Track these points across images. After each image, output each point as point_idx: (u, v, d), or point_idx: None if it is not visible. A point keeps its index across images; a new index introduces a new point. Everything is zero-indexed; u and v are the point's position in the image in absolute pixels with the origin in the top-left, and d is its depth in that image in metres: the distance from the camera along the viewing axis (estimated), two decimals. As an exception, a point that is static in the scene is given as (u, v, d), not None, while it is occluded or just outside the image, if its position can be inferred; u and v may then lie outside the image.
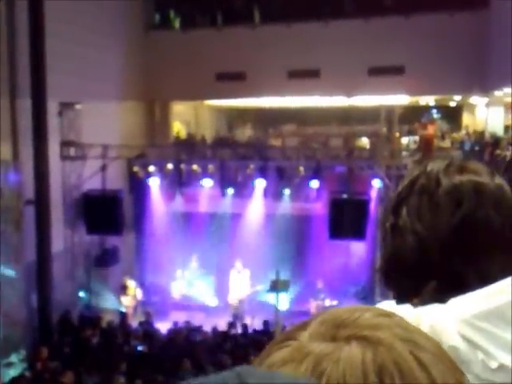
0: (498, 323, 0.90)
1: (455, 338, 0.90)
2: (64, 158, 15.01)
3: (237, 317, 14.85)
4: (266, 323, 13.87)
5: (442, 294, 0.98)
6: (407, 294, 1.05)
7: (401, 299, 1.05)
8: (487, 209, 1.06)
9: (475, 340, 0.90)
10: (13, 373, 12.26)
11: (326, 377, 0.52)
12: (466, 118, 20.64)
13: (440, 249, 1.06)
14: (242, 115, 23.36)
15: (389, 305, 1.03)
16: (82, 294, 15.60)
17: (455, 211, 1.06)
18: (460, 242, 1.05)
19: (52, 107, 13.84)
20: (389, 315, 0.60)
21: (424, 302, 0.99)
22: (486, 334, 0.89)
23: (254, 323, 14.34)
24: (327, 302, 14.86)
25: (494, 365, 0.89)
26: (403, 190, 1.14)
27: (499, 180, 1.12)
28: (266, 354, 0.58)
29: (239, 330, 14.11)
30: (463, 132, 19.55)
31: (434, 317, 0.93)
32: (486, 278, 0.98)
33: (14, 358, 12.70)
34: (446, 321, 0.91)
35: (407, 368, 0.53)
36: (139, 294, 15.66)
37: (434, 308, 0.95)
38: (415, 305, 0.99)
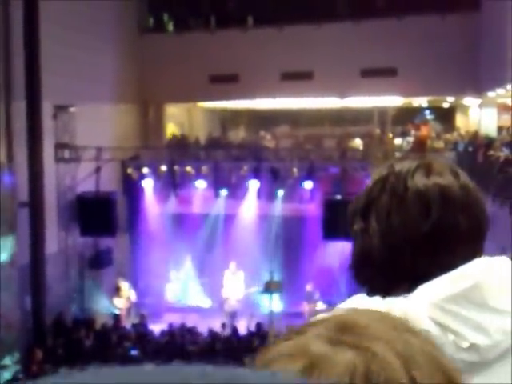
0: (466, 305, 0.94)
1: (426, 322, 0.94)
2: (58, 160, 15.01)
3: (232, 318, 14.86)
4: (258, 325, 13.88)
5: (409, 290, 1.02)
6: (378, 291, 1.08)
7: (371, 292, 1.09)
8: (454, 213, 1.09)
9: (445, 322, 0.94)
10: (7, 375, 12.26)
11: (316, 377, 0.54)
12: (459, 119, 20.68)
13: (409, 252, 1.09)
14: (235, 117, 23.37)
15: (360, 298, 1.07)
16: (75, 295, 15.58)
17: (424, 218, 1.08)
18: (429, 246, 1.08)
19: (46, 109, 13.86)
20: (396, 328, 0.60)
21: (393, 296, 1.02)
22: (455, 316, 0.94)
23: (251, 324, 14.33)
24: (320, 305, 14.87)
25: (465, 345, 0.93)
26: (372, 190, 1.16)
27: (464, 178, 1.15)
28: (273, 344, 0.60)
29: (230, 332, 14.10)
30: (456, 133, 19.59)
31: (405, 304, 0.96)
32: (449, 270, 1.02)
33: (7, 360, 12.68)
34: (417, 306, 0.95)
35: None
36: (132, 295, 15.66)
37: (404, 298, 0.99)
38: (384, 296, 1.02)
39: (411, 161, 1.17)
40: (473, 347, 0.93)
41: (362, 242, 1.15)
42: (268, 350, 0.60)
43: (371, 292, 1.11)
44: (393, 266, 1.10)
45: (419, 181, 1.11)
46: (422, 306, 0.95)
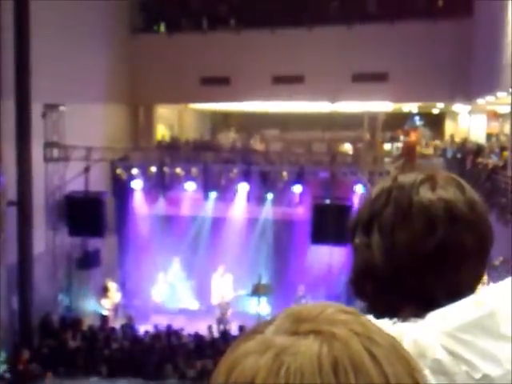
0: (479, 334, 0.92)
1: (439, 351, 0.92)
2: (47, 159, 14.95)
3: (221, 321, 14.84)
4: (241, 328, 13.89)
5: (415, 311, 1.01)
6: (380, 308, 1.07)
7: (375, 312, 1.06)
8: (460, 230, 1.07)
9: (458, 352, 0.92)
10: (-7, 374, 12.21)
11: (285, 368, 0.55)
12: (448, 126, 20.80)
13: (413, 269, 1.07)
14: (225, 119, 23.38)
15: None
16: (63, 296, 15.51)
17: (429, 234, 1.07)
18: (434, 263, 1.07)
19: (36, 109, 13.80)
20: (349, 312, 0.62)
21: (402, 319, 1.00)
22: (468, 346, 0.92)
23: (238, 327, 14.32)
24: None
25: (477, 375, 0.91)
26: (375, 203, 1.13)
27: (469, 193, 1.12)
28: (234, 346, 0.61)
29: (218, 335, 14.10)
30: (447, 139, 19.69)
31: (417, 332, 0.95)
32: (454, 293, 1.01)
33: (-6, 359, 12.62)
34: (429, 335, 0.94)
35: (361, 363, 0.56)
36: (118, 296, 15.60)
37: (415, 324, 0.97)
38: (393, 320, 1.01)
39: (416, 173, 1.14)
40: (485, 378, 0.92)
41: (364, 257, 1.12)
42: (231, 351, 0.61)
43: (372, 309, 1.09)
44: (396, 283, 1.08)
45: (424, 195, 1.09)
46: (434, 334, 0.94)
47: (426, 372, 0.89)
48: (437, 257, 1.06)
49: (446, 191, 1.10)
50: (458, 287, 1.04)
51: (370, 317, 1.01)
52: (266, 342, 0.59)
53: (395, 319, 1.01)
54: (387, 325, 0.98)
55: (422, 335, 0.94)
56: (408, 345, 0.91)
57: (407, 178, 1.13)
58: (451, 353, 0.92)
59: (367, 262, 1.11)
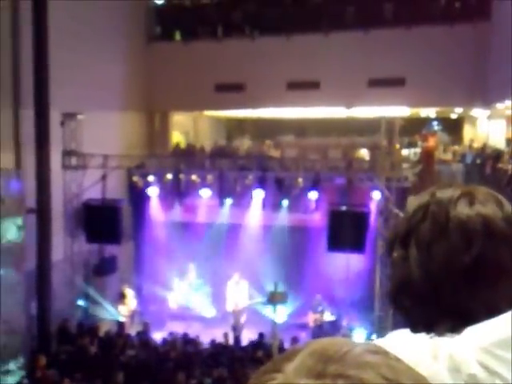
0: None
1: (474, 366, 0.93)
2: (65, 167, 15.12)
3: (235, 328, 14.84)
4: (261, 335, 13.87)
5: (452, 326, 1.02)
6: (417, 322, 1.08)
7: (412, 326, 1.08)
8: (497, 247, 1.07)
9: (493, 367, 0.93)
10: (11, 380, 12.35)
11: None
12: (467, 131, 20.57)
13: (449, 284, 1.08)
14: (240, 126, 23.39)
15: (403, 334, 1.06)
16: (80, 302, 15.65)
17: (466, 251, 1.07)
18: (470, 279, 1.07)
19: (54, 117, 13.96)
20: (378, 352, 0.60)
21: (438, 334, 1.01)
22: (503, 361, 0.93)
23: (254, 335, 14.30)
24: (326, 316, 14.82)
25: None
26: (413, 218, 1.14)
27: (508, 209, 1.12)
28: (259, 380, 0.59)
29: (233, 342, 14.09)
30: (466, 144, 19.48)
31: (452, 347, 0.96)
32: (493, 309, 1.02)
33: (12, 365, 12.75)
34: (465, 350, 0.94)
35: None
36: (135, 303, 15.69)
37: (451, 338, 0.98)
38: (429, 334, 1.02)
39: (454, 188, 1.15)
40: None
41: (401, 271, 1.14)
42: None
43: (410, 323, 1.10)
44: (433, 297, 1.09)
45: (462, 211, 1.10)
46: (470, 350, 0.94)
47: None
48: (473, 272, 1.06)
49: (484, 207, 1.10)
50: (496, 303, 1.04)
51: (407, 331, 1.05)
52: (290, 382, 0.56)
53: (432, 334, 1.01)
54: (424, 339, 0.99)
55: (458, 350, 0.94)
56: (444, 359, 0.93)
57: (445, 194, 1.14)
58: (486, 368, 0.93)
59: (404, 276, 1.12)
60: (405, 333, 1.06)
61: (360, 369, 0.56)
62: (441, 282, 1.08)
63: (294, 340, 13.40)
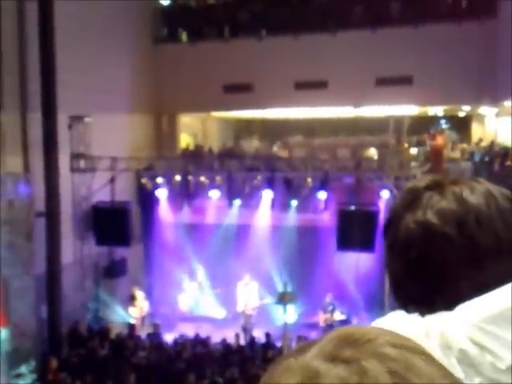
0: (506, 326, 0.93)
1: (465, 342, 0.93)
2: (74, 170, 15.15)
3: (245, 329, 14.83)
4: (267, 336, 13.86)
5: (443, 305, 1.02)
6: (412, 303, 1.08)
7: (407, 308, 1.08)
8: (438, 248, 1.07)
9: (484, 343, 0.93)
10: (23, 383, 12.37)
11: None
12: (475, 129, 20.49)
13: (403, 281, 1.10)
14: (249, 127, 23.38)
15: (398, 315, 1.06)
16: (91, 305, 15.67)
17: (407, 251, 1.08)
18: (416, 278, 1.09)
19: (62, 120, 13.99)
20: (400, 346, 0.60)
21: (430, 312, 1.01)
22: (494, 337, 0.92)
23: (264, 335, 14.30)
24: (336, 315, 14.80)
25: (502, 366, 0.92)
26: (397, 206, 1.14)
27: (470, 203, 1.10)
28: (278, 361, 0.61)
29: (245, 342, 14.08)
30: (474, 142, 19.41)
31: (444, 324, 0.96)
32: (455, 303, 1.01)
33: (23, 368, 12.79)
34: (456, 326, 0.95)
35: None
36: (146, 305, 15.70)
37: (443, 316, 0.98)
38: (423, 314, 1.02)
39: (423, 180, 1.15)
40: (510, 369, 0.92)
41: (385, 259, 1.16)
42: (274, 364, 0.61)
43: (405, 303, 1.11)
44: (398, 288, 1.11)
45: (417, 211, 1.09)
46: (460, 326, 0.95)
47: (453, 362, 0.92)
48: (418, 273, 1.08)
49: (438, 204, 1.09)
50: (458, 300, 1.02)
51: (402, 313, 1.04)
52: (303, 364, 0.58)
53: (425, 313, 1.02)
54: (417, 318, 1.00)
55: (449, 327, 0.95)
56: (435, 337, 0.94)
57: (413, 185, 1.14)
58: (477, 344, 0.93)
59: (386, 263, 1.15)
60: (399, 314, 1.06)
61: (371, 358, 0.57)
62: (401, 281, 1.11)
63: (300, 339, 13.39)
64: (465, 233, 1.08)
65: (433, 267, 1.08)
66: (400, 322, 1.01)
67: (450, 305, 1.00)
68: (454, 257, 1.08)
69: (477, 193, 1.11)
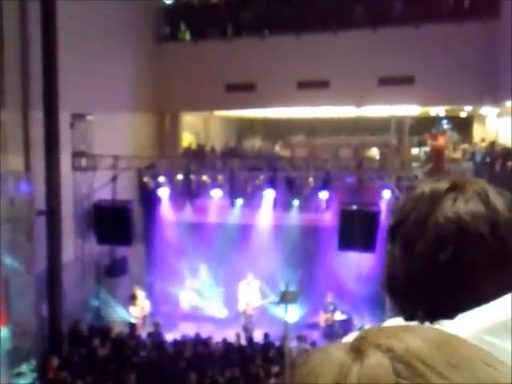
0: (506, 337, 0.91)
1: None
2: (75, 168, 15.13)
3: (246, 329, 14.82)
4: (266, 336, 13.87)
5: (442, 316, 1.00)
6: (410, 311, 1.07)
7: (406, 316, 1.07)
8: (472, 248, 1.06)
9: None
10: (23, 382, 12.36)
11: (312, 375, 0.57)
12: (476, 129, 20.50)
13: (428, 286, 1.07)
14: (251, 126, 23.37)
15: (395, 322, 1.05)
16: (91, 304, 15.65)
17: (440, 253, 1.06)
18: (446, 281, 1.06)
19: (64, 119, 13.96)
20: (426, 340, 0.58)
21: (430, 322, 1.00)
22: (493, 349, 0.87)
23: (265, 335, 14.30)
24: (337, 315, 14.79)
25: None
26: (402, 211, 1.13)
27: (493, 207, 1.09)
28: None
29: (245, 342, 14.09)
30: (476, 143, 19.42)
31: None
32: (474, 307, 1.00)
33: (24, 367, 12.77)
34: None
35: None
36: (147, 305, 15.69)
37: (442, 325, 0.96)
38: (422, 322, 1.00)
39: (444, 181, 1.13)
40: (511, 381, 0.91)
41: (388, 264, 1.14)
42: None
43: (402, 311, 1.10)
44: (413, 294, 1.08)
45: (442, 210, 1.08)
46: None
47: None
48: (447, 273, 1.05)
49: (466, 205, 1.08)
50: (478, 303, 1.01)
51: (399, 319, 1.03)
52: (323, 351, 0.60)
53: (424, 322, 0.99)
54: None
55: None
56: None
57: (432, 187, 1.12)
58: None
59: (390, 269, 1.12)
60: (397, 321, 1.05)
61: (385, 346, 0.57)
62: (420, 282, 1.07)
63: (301, 338, 13.41)
64: (497, 234, 1.07)
65: (464, 267, 1.06)
66: None
67: (471, 307, 0.98)
68: (485, 257, 1.07)
69: (498, 196, 1.11)
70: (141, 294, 15.67)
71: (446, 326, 0.96)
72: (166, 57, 18.55)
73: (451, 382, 0.54)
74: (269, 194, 15.13)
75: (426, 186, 1.14)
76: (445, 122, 20.94)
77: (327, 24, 17.56)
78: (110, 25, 15.96)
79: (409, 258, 1.09)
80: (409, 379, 0.54)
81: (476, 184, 1.13)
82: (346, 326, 14.52)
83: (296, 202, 15.40)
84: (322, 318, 14.77)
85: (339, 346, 0.60)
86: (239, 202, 15.53)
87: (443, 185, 1.12)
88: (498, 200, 1.10)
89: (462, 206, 1.08)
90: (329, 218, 15.12)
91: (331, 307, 14.83)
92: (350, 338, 0.63)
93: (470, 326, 0.94)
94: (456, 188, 1.11)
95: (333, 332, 14.31)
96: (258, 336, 14.32)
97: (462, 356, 0.57)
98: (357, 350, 0.57)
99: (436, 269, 1.06)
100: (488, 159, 17.06)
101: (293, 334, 13.08)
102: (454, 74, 16.58)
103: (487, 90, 16.61)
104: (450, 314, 1.00)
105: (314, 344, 13.52)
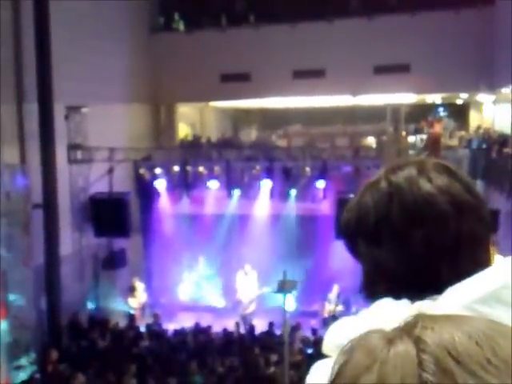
0: (497, 306, 0.90)
1: None
2: (71, 161, 15.08)
3: (245, 318, 14.86)
4: (271, 325, 13.89)
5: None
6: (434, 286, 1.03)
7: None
8: (469, 220, 1.07)
9: None
10: (23, 375, 12.37)
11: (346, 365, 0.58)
12: (473, 116, 20.51)
13: (430, 267, 1.06)
14: (247, 116, 23.30)
15: (387, 301, 1.02)
16: (90, 296, 15.67)
17: (443, 233, 1.05)
18: (452, 259, 1.06)
19: (58, 111, 13.91)
20: (478, 342, 0.54)
21: (419, 298, 0.98)
22: (483, 316, 0.89)
23: (264, 324, 14.33)
24: (340, 306, 14.82)
25: None
26: (378, 209, 1.11)
27: (463, 178, 1.10)
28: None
29: (244, 331, 14.12)
30: (472, 130, 19.43)
31: (434, 308, 0.92)
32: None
33: (23, 360, 12.79)
34: (446, 309, 0.91)
35: (406, 372, 0.53)
36: (145, 296, 15.71)
37: (433, 300, 0.96)
38: (413, 300, 0.98)
39: (405, 168, 1.11)
40: None
41: (373, 263, 1.11)
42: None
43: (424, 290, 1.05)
44: (412, 281, 1.06)
45: (425, 192, 1.06)
46: (451, 309, 0.91)
47: None
48: (453, 251, 1.06)
49: (442, 181, 1.07)
50: (475, 272, 0.99)
51: (391, 300, 1.00)
52: (364, 335, 0.60)
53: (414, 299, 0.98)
54: (407, 304, 0.97)
55: (440, 310, 0.90)
56: None
57: (401, 176, 1.10)
58: None
59: (378, 266, 1.10)
60: (388, 301, 1.01)
61: (415, 335, 0.56)
62: (422, 268, 1.06)
63: (298, 327, 13.47)
64: (477, 199, 1.09)
65: (465, 240, 1.06)
66: (389, 309, 0.97)
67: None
68: (478, 224, 1.08)
69: (454, 167, 1.14)
70: (140, 285, 15.69)
71: (436, 299, 0.95)
72: (161, 47, 18.47)
73: (483, 382, 0.50)
74: (266, 184, 15.14)
75: (392, 177, 1.11)
76: (441, 109, 20.93)
77: (322, 13, 17.51)
78: (103, 16, 15.87)
79: (405, 248, 1.07)
80: (434, 375, 0.51)
81: (429, 161, 1.13)
82: (345, 315, 14.54)
83: (293, 192, 15.41)
84: (325, 309, 14.79)
85: (378, 333, 0.59)
86: (236, 192, 15.53)
87: (409, 171, 1.10)
88: (458, 170, 1.11)
89: (440, 182, 1.07)
90: (326, 207, 15.14)
91: (336, 299, 14.82)
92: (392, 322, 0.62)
93: (461, 297, 0.93)
94: (421, 171, 1.10)
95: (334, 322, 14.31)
96: (258, 325, 14.36)
97: (506, 355, 0.52)
98: (390, 337, 0.57)
99: (440, 249, 1.05)
100: (484, 146, 17.07)
101: (291, 323, 13.12)
102: (449, 61, 16.56)
103: (483, 77, 16.61)
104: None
105: (314, 331, 13.57)
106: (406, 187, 1.08)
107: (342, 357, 0.59)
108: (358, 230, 1.14)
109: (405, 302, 0.98)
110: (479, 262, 1.06)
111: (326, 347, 0.98)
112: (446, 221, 1.05)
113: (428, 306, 0.94)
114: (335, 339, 0.96)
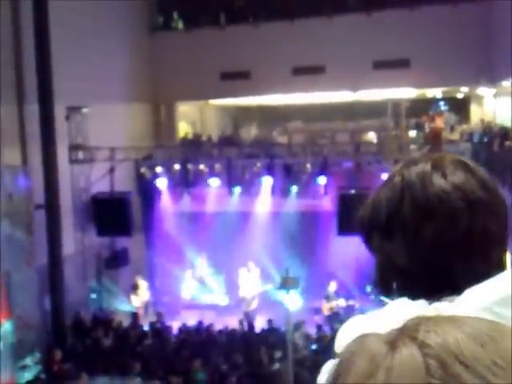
0: None
1: None
2: (72, 161, 15.11)
3: (248, 315, 14.88)
4: (270, 322, 13.91)
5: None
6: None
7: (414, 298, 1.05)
8: (481, 216, 1.06)
9: None
10: (28, 375, 12.40)
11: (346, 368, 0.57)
12: (474, 110, 20.46)
13: (441, 263, 1.07)
14: (247, 114, 23.29)
15: (403, 302, 1.03)
16: (93, 295, 15.71)
17: (453, 228, 1.06)
18: (462, 256, 1.06)
19: (59, 112, 13.92)
20: (483, 343, 0.53)
21: (436, 299, 0.99)
22: (505, 320, 0.88)
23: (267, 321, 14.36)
24: (341, 301, 14.81)
25: None
26: (390, 204, 1.12)
27: (479, 173, 1.10)
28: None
29: (247, 328, 14.14)
30: (473, 123, 19.38)
31: (453, 309, 0.93)
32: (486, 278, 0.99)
33: (28, 360, 12.81)
34: (466, 311, 0.91)
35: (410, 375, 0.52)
36: (148, 294, 15.74)
37: (451, 301, 0.96)
38: (431, 301, 0.99)
39: (421, 163, 1.11)
40: None
41: (387, 258, 1.12)
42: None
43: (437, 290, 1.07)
44: (424, 278, 1.07)
45: (438, 188, 1.07)
46: (471, 310, 0.91)
47: None
48: (464, 247, 1.05)
49: (457, 177, 1.08)
50: (490, 272, 1.01)
51: (407, 301, 1.00)
52: (360, 340, 0.59)
53: (431, 300, 0.99)
54: (424, 305, 0.97)
55: (459, 312, 0.91)
56: None
57: (414, 172, 1.10)
58: None
59: (391, 262, 1.11)
60: (404, 302, 1.01)
61: (409, 340, 0.55)
62: (432, 263, 1.06)
63: (301, 324, 13.46)
64: (492, 196, 1.08)
65: (477, 235, 1.06)
66: (407, 310, 0.96)
67: (481, 277, 0.98)
68: (491, 221, 1.07)
69: (473, 163, 1.13)
70: (143, 283, 15.72)
71: (455, 301, 0.95)
72: (160, 46, 18.49)
73: (488, 382, 0.50)
74: (267, 181, 15.13)
75: (405, 172, 1.12)
76: (442, 103, 20.88)
77: (321, 9, 17.48)
78: (102, 16, 15.88)
79: (416, 244, 1.07)
80: (441, 380, 0.50)
81: (447, 156, 1.13)
82: (350, 312, 14.54)
83: (294, 188, 15.40)
84: (324, 307, 14.78)
85: (377, 337, 0.58)
86: (237, 190, 15.54)
87: (424, 167, 1.11)
88: (476, 166, 1.11)
89: (455, 179, 1.08)
90: (327, 203, 15.13)
91: (333, 296, 14.81)
92: (390, 325, 0.61)
93: (480, 299, 0.93)
94: (437, 166, 1.10)
95: (337, 319, 14.32)
96: (259, 322, 14.38)
97: (510, 356, 0.51)
98: (392, 342, 0.55)
99: (451, 245, 1.05)
100: (486, 139, 17.02)
101: (294, 320, 13.12)
102: (449, 55, 16.52)
103: (483, 70, 16.57)
104: (457, 289, 0.99)
105: (319, 328, 13.57)
106: (417, 183, 1.09)
107: (341, 362, 0.58)
108: (372, 225, 1.15)
109: (422, 302, 0.98)
110: (492, 259, 1.06)
111: (340, 346, 0.97)
112: (457, 217, 1.05)
113: (446, 307, 0.94)
114: (349, 339, 0.98)
